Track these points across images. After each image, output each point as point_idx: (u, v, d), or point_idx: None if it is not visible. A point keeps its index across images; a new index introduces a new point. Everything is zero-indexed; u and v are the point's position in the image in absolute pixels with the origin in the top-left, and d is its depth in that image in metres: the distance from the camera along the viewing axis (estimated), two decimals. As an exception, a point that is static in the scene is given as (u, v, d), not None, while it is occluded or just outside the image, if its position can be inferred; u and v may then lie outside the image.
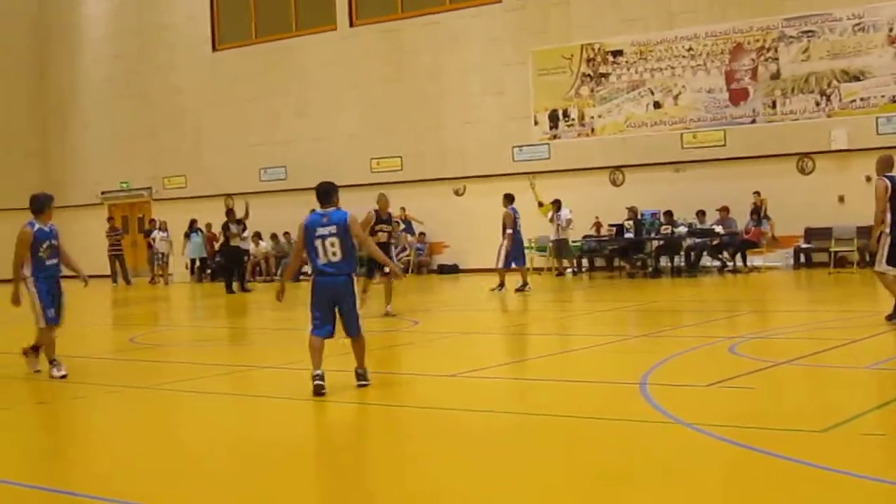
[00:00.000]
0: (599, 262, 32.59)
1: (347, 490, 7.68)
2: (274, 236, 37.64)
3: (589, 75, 33.31)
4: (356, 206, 33.44)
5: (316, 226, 11.32)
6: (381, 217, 20.24)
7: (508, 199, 25.95)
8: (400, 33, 36.61)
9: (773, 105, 30.54)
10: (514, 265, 25.55)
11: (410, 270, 34.25)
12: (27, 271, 13.51)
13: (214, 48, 41.20)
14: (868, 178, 28.32)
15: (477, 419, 9.82)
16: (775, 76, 30.53)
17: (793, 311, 20.06)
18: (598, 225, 32.08)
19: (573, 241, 31.78)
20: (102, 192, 43.67)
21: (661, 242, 30.17)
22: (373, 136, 36.74)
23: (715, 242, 29.73)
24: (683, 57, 31.77)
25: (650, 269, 30.31)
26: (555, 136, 33.89)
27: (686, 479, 7.47)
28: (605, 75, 33.04)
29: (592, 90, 33.25)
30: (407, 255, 34.68)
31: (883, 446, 8.12)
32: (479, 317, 21.40)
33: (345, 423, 10.37)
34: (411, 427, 9.92)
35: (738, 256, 29.81)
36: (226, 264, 31.99)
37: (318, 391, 10.91)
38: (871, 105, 29.29)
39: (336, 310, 11.38)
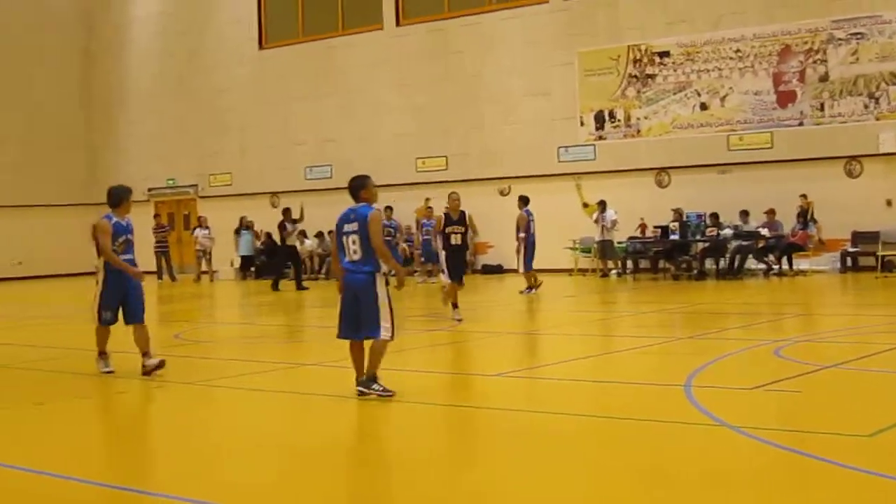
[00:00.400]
0: (644, 263, 32.48)
1: (395, 487, 7.72)
2: (319, 234, 37.76)
3: (635, 76, 33.23)
4: (402, 205, 33.85)
5: (344, 222, 11.20)
6: (452, 218, 19.41)
7: (524, 201, 26.00)
8: (446, 33, 36.64)
9: (821, 107, 30.36)
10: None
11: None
12: (100, 263, 13.25)
13: (261, 46, 41.38)
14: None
15: (521, 419, 9.84)
16: (823, 78, 30.35)
17: (839, 315, 19.96)
18: (643, 226, 31.99)
19: (618, 243, 31.70)
20: (149, 189, 43.88)
21: (707, 244, 30.04)
22: (418, 136, 36.79)
23: (761, 245, 29.57)
24: (731, 58, 31.63)
25: (695, 271, 30.18)
26: (601, 137, 33.83)
27: (731, 482, 7.47)
28: (652, 76, 32.95)
29: (639, 91, 33.17)
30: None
31: (931, 451, 8.08)
32: (523, 317, 21.42)
33: (385, 420, 10.37)
34: (458, 425, 9.95)
35: (784, 259, 29.65)
36: (280, 263, 32.32)
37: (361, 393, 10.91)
38: (921, 108, 29.10)
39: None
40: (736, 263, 29.32)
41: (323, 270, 36.60)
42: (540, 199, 28.74)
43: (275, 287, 30.67)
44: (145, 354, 13.19)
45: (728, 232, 29.63)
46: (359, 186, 11.27)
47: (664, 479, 7.51)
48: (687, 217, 30.59)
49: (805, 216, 29.39)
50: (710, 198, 30.78)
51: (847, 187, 29.87)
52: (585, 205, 30.49)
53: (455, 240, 19.26)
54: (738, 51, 31.46)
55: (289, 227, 30.94)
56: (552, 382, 12.36)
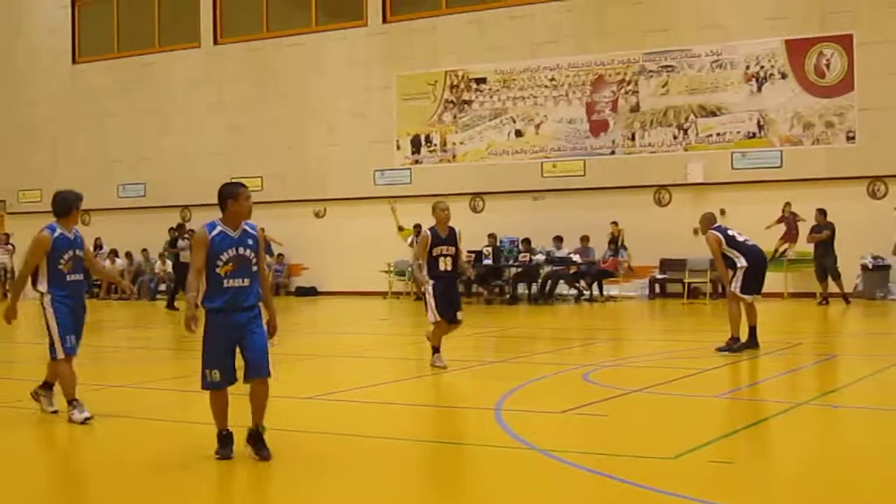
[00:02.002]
0: (461, 288, 32.64)
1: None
2: (129, 254, 37.06)
3: (452, 102, 33.48)
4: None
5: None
6: (440, 236, 15.47)
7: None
8: (265, 52, 36.40)
9: (633, 137, 31.02)
10: None
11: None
12: (43, 286, 10.96)
13: (75, 60, 40.51)
14: (723, 212, 28.94)
15: (330, 442, 9.75)
16: (635, 109, 31.02)
17: (646, 341, 20.34)
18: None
19: (432, 267, 31.75)
20: (-49, 205, 42.57)
21: (519, 269, 30.41)
22: (235, 156, 36.39)
23: (572, 271, 30.06)
24: (546, 87, 32.11)
25: (507, 295, 30.51)
26: (417, 161, 33.98)
27: (538, 505, 7.51)
28: (468, 102, 33.24)
29: (455, 116, 33.43)
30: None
31: (730, 473, 8.25)
32: (337, 340, 21.31)
33: (184, 442, 10.17)
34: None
35: (595, 285, 30.16)
36: (178, 280, 30.41)
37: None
38: (726, 140, 29.92)
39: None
40: (548, 288, 29.71)
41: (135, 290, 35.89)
42: (355, 221, 28.82)
43: (169, 305, 29.56)
44: (49, 386, 11.52)
45: (540, 257, 30.04)
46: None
47: (468, 502, 7.50)
48: (500, 242, 30.93)
49: (616, 243, 29.96)
50: (523, 223, 31.17)
51: (656, 216, 30.55)
52: (401, 228, 30.46)
53: (444, 264, 15.35)
54: (553, 79, 31.96)
55: (181, 242, 29.99)
56: (363, 405, 12.29)
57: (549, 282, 29.84)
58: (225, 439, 8.95)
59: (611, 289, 30.28)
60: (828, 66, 29.06)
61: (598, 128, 31.46)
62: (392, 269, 32.73)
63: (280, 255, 35.32)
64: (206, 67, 37.41)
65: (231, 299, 8.88)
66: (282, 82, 36.00)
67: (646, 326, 24.36)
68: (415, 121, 33.92)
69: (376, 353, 18.77)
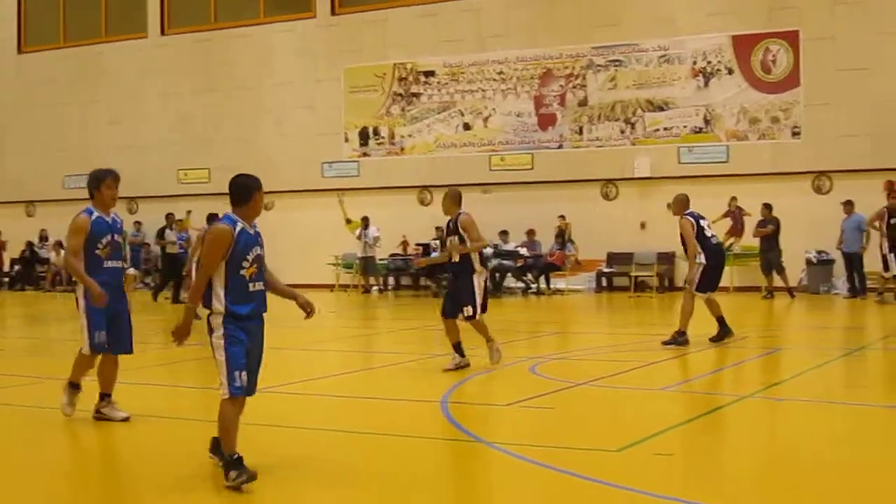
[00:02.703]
0: (406, 280, 32.72)
1: None
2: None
3: (400, 94, 33.47)
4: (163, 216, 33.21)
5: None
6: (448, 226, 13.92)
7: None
8: (214, 43, 36.22)
9: (580, 131, 31.13)
10: None
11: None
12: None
13: (20, 51, 40.12)
14: (669, 206, 29.02)
15: (278, 435, 9.73)
16: (583, 103, 31.13)
17: (593, 334, 20.43)
18: (405, 244, 32.22)
19: (380, 259, 31.81)
20: None
21: (467, 263, 30.38)
22: (183, 147, 36.20)
23: (519, 264, 30.13)
24: (494, 80, 32.17)
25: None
26: (365, 154, 33.95)
27: (485, 498, 7.53)
28: (417, 95, 33.24)
29: (403, 109, 33.42)
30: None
31: (672, 465, 8.31)
32: (285, 333, 21.23)
33: (126, 439, 10.14)
34: (202, 441, 9.78)
35: (542, 279, 30.25)
36: (170, 273, 28.94)
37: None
38: (673, 135, 30.09)
39: None
40: (495, 282, 29.76)
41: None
42: (303, 214, 28.75)
43: (175, 300, 28.77)
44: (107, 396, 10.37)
45: (488, 251, 30.06)
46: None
47: (419, 496, 7.52)
48: (448, 235, 30.91)
49: (563, 237, 30.07)
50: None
51: (603, 210, 30.69)
52: (348, 221, 30.50)
53: (447, 254, 13.98)
54: (501, 73, 32.01)
55: (169, 234, 29.54)
56: (310, 398, 12.28)
57: (497, 275, 29.90)
58: (240, 460, 7.62)
59: (558, 282, 30.38)
60: (774, 61, 29.28)
61: (546, 121, 31.54)
62: (340, 261, 32.68)
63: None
64: (154, 58, 37.17)
65: (258, 305, 8.07)
66: (230, 74, 35.83)
67: (592, 320, 24.45)
68: (363, 113, 33.88)
69: (324, 346, 18.74)
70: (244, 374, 7.79)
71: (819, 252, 28.02)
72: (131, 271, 34.35)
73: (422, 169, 32.93)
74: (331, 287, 32.65)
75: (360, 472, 8.29)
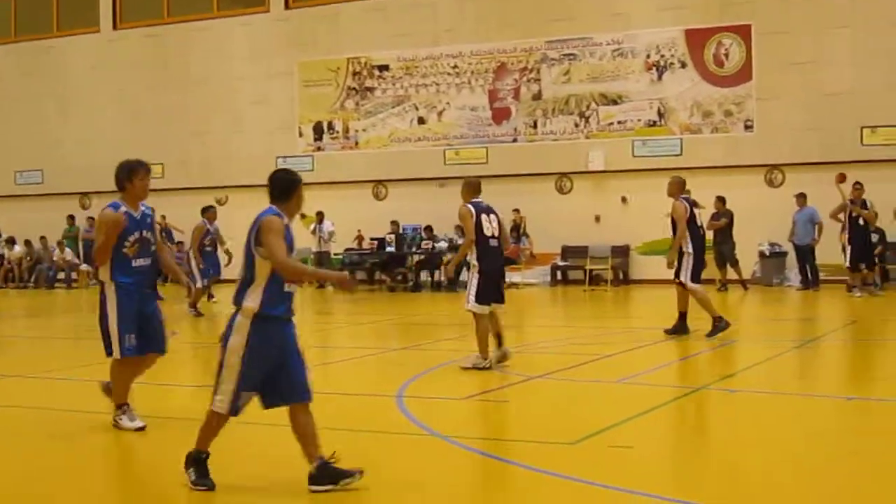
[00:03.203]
0: (361, 275, 32.62)
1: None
2: (28, 242, 36.49)
3: (355, 89, 33.40)
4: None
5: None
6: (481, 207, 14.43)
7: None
8: (167, 38, 36.01)
9: (534, 125, 31.18)
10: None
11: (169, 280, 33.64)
12: (105, 274, 9.54)
13: (-31, 43, 39.80)
14: (624, 199, 29.37)
15: (230, 431, 9.67)
16: (537, 97, 31.18)
17: (548, 327, 20.48)
18: (360, 238, 32.16)
19: (335, 254, 31.74)
20: None
21: (422, 257, 30.43)
22: (136, 143, 35.82)
23: (451, 273, 30.09)
24: (448, 74, 32.16)
25: (411, 283, 30.53)
26: (319, 149, 33.86)
27: (439, 491, 7.53)
28: (371, 89, 33.19)
29: (358, 104, 33.36)
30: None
31: (628, 457, 8.33)
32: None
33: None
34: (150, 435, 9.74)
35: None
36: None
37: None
38: (627, 128, 30.19)
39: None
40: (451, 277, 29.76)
41: (32, 279, 35.43)
42: (258, 209, 28.46)
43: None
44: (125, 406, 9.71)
45: (443, 245, 30.08)
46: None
47: (374, 490, 7.49)
48: (403, 229, 30.94)
49: (518, 230, 30.09)
50: (426, 211, 31.17)
51: (558, 203, 30.74)
52: (303, 216, 30.32)
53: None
54: (455, 67, 32.01)
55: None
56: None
57: (453, 269, 29.85)
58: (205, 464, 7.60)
59: (513, 276, 30.34)
60: (727, 55, 29.43)
61: (501, 115, 31.57)
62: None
63: (180, 242, 34.92)
64: (107, 53, 36.93)
65: (289, 306, 7.75)
66: (184, 68, 35.64)
67: (548, 313, 24.50)
68: (317, 108, 33.80)
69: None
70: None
71: (772, 244, 28.20)
72: (84, 267, 34.23)
73: (376, 163, 32.88)
74: (286, 282, 32.47)
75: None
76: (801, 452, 8.46)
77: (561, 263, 30.63)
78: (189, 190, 34.54)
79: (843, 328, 18.71)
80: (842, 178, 24.99)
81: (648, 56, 30.07)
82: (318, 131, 33.82)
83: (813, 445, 8.75)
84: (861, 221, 24.41)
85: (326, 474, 7.41)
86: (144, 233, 9.57)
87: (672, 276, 16.66)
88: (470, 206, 14.10)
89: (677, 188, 16.76)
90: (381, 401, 11.20)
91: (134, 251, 9.47)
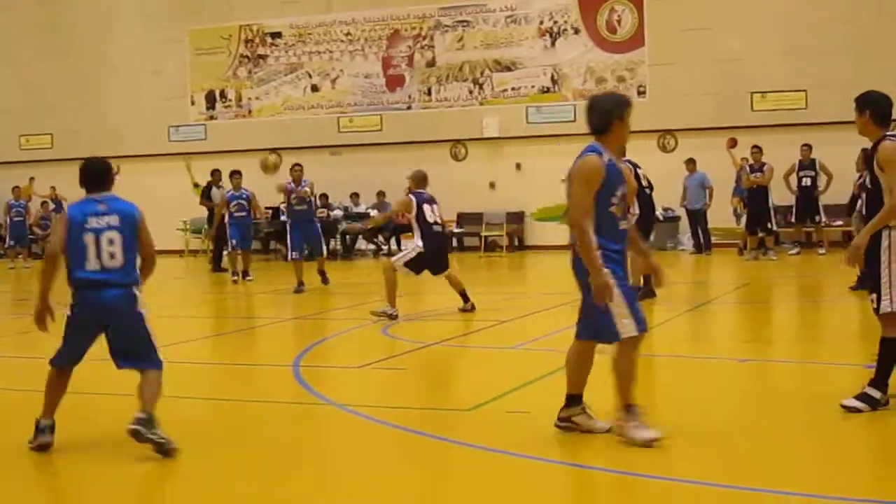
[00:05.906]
0: (256, 245, 32.38)
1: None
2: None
3: (247, 56, 33.10)
4: (6, 186, 32.39)
5: (88, 215, 8.29)
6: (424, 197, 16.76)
7: None
8: (56, 6, 35.25)
9: (429, 92, 31.15)
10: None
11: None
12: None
13: None
14: (518, 166, 29.46)
15: (130, 404, 9.57)
16: (431, 64, 31.15)
17: (444, 294, 20.47)
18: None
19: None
20: None
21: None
22: (25, 113, 35.28)
23: (370, 226, 30.06)
24: (342, 41, 31.99)
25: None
26: (212, 117, 33.54)
27: (337, 460, 7.50)
28: (264, 57, 32.91)
29: (250, 71, 33.07)
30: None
31: (524, 422, 8.35)
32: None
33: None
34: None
35: (393, 240, 30.25)
36: (218, 238, 26.42)
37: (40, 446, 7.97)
38: (521, 95, 30.28)
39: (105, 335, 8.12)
40: (346, 244, 29.71)
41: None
42: (150, 179, 28.33)
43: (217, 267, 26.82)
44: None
45: (338, 213, 29.98)
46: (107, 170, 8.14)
47: (273, 460, 7.45)
48: (298, 198, 30.73)
49: (413, 198, 30.04)
50: (321, 179, 30.83)
51: (453, 170, 30.74)
52: (196, 185, 30.04)
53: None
54: (348, 34, 31.85)
55: (215, 191, 27.33)
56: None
57: (348, 238, 29.82)
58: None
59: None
60: (619, 22, 29.61)
61: (395, 83, 31.49)
62: (188, 226, 32.26)
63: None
64: (-7, 21, 36.16)
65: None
66: (74, 37, 34.95)
67: (444, 280, 24.50)
68: (209, 76, 33.44)
69: (174, 312, 18.48)
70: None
71: (665, 209, 28.45)
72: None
73: (270, 132, 32.58)
74: (180, 252, 32.23)
75: (211, 440, 8.18)
76: (693, 414, 8.54)
77: (456, 230, 30.65)
78: (79, 160, 33.74)
79: (735, 291, 18.97)
80: (733, 143, 25.32)
81: (542, 22, 30.14)
82: (211, 100, 33.47)
83: (706, 408, 8.84)
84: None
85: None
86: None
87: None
88: (412, 196, 16.24)
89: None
90: (277, 371, 11.14)
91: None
